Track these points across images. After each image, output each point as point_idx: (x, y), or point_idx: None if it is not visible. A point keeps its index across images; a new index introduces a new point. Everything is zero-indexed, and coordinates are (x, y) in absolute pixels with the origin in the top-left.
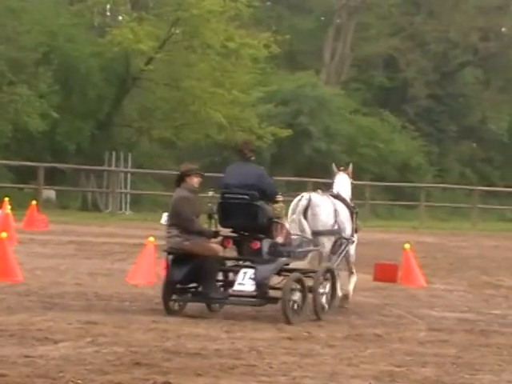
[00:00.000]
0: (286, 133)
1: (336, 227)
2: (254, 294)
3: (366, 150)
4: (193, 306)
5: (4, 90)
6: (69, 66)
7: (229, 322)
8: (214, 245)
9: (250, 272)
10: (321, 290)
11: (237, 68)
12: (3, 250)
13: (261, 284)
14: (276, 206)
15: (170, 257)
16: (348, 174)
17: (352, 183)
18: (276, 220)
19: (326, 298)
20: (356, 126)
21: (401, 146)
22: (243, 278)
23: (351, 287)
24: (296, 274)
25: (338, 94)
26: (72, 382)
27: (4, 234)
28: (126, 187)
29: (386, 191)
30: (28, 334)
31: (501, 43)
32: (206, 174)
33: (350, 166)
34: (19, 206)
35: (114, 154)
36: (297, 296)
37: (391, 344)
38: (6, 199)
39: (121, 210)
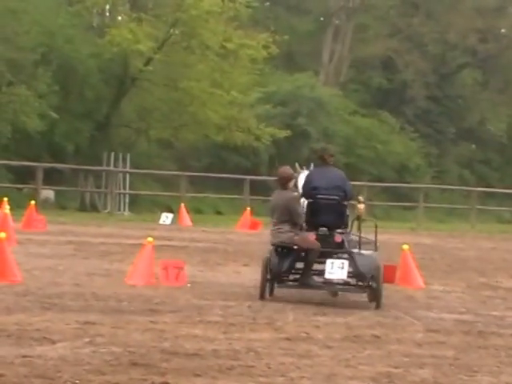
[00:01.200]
0: (284, 133)
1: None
2: (348, 282)
3: (364, 151)
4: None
5: (3, 90)
6: (67, 67)
7: (226, 322)
8: (315, 240)
9: (337, 262)
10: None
11: (235, 69)
12: (2, 251)
13: (365, 274)
14: (360, 205)
15: (278, 248)
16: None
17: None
18: (360, 218)
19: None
20: (354, 127)
21: (399, 147)
22: (331, 268)
23: None
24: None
25: (336, 95)
26: (70, 382)
27: (3, 235)
28: (124, 187)
29: (384, 192)
30: (26, 334)
31: (499, 44)
32: (204, 175)
33: (312, 166)
34: (18, 206)
35: (112, 154)
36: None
37: (389, 345)
38: (5, 199)
39: (119, 210)
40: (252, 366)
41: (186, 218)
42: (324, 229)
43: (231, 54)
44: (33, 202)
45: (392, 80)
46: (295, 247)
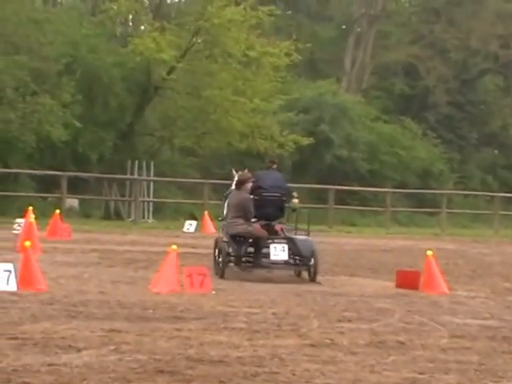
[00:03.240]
0: (307, 141)
1: None
2: (289, 261)
3: (387, 157)
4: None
5: (27, 100)
6: (91, 76)
7: (251, 329)
8: (263, 229)
9: (279, 246)
10: None
11: (258, 76)
12: (27, 259)
13: (306, 256)
14: (294, 200)
15: (238, 238)
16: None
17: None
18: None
19: None
20: (377, 133)
21: (422, 152)
22: (275, 251)
23: None
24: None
25: (358, 102)
26: None
27: (28, 243)
28: (148, 195)
29: (408, 198)
30: (51, 343)
31: None
32: (227, 183)
33: (246, 170)
34: (43, 215)
35: (136, 162)
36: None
37: (414, 351)
38: (30, 208)
39: (143, 218)
40: (277, 373)
41: (210, 226)
42: (265, 221)
43: (254, 62)
44: (57, 211)
45: (414, 86)
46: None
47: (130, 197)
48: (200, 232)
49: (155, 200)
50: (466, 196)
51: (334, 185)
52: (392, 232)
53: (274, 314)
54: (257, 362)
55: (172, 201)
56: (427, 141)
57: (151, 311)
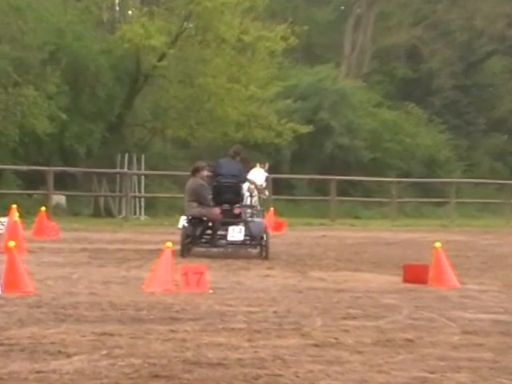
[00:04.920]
0: (306, 129)
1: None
2: (245, 242)
3: (391, 144)
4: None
5: (9, 91)
6: (77, 65)
7: (251, 329)
8: (217, 211)
9: (237, 228)
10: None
11: (253, 62)
12: (12, 260)
13: (257, 235)
14: (251, 186)
15: (192, 220)
16: (263, 168)
17: (267, 176)
18: (250, 194)
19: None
20: (380, 120)
21: (427, 139)
22: (233, 232)
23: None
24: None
25: (359, 87)
26: None
27: (12, 243)
28: (139, 191)
29: (413, 188)
30: (40, 348)
31: None
32: None
33: (266, 164)
34: (28, 213)
35: (126, 156)
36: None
37: (423, 349)
38: (14, 206)
39: (135, 214)
40: (279, 375)
41: None
42: (226, 205)
43: (248, 47)
44: (43, 209)
45: (417, 70)
46: (204, 218)
47: (120, 192)
48: None
49: (147, 195)
50: (474, 185)
51: (336, 175)
52: (398, 224)
53: (274, 312)
54: (258, 363)
55: (165, 195)
56: (433, 127)
57: (145, 312)
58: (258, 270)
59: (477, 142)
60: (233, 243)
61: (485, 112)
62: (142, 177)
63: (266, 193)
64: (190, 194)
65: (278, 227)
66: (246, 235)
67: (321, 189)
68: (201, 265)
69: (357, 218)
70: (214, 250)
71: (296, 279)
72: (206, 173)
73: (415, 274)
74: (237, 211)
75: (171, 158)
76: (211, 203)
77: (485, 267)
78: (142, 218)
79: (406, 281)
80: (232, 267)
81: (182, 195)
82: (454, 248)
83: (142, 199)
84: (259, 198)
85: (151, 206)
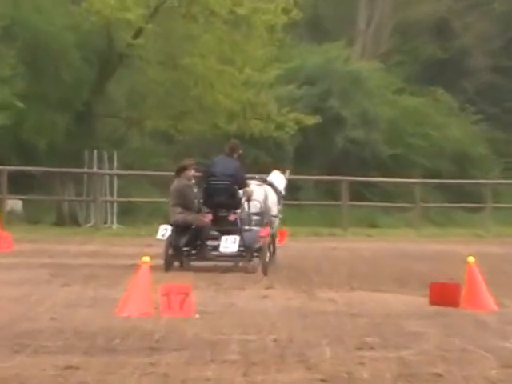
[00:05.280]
0: (312, 120)
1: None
2: (240, 254)
3: (415, 139)
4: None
5: None
6: (37, 43)
7: (247, 361)
8: (205, 218)
9: (231, 238)
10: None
11: (249, 40)
12: None
13: (250, 246)
14: (247, 189)
15: (175, 227)
16: (285, 176)
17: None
18: (246, 199)
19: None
20: (401, 108)
21: (458, 132)
22: (226, 243)
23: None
24: (269, 239)
25: (376, 70)
26: None
27: None
28: (112, 194)
29: (442, 190)
30: None
31: None
32: None
33: (288, 172)
34: None
35: (95, 152)
36: (268, 254)
37: None
38: None
39: (106, 223)
40: None
41: None
42: (224, 211)
43: (243, 22)
44: None
45: (447, 48)
46: (193, 226)
47: (88, 196)
48: None
49: (121, 200)
50: None
51: (348, 175)
52: (423, 234)
53: (274, 341)
54: None
55: (143, 200)
56: (465, 117)
57: (118, 341)
58: (254, 289)
59: None
60: (224, 255)
61: None
62: (115, 177)
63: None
64: (174, 197)
65: (278, 237)
66: (240, 246)
67: (330, 191)
68: (185, 283)
69: (374, 226)
70: (208, 263)
71: (300, 301)
72: (192, 172)
73: (445, 295)
74: (232, 218)
75: (151, 155)
76: (200, 207)
77: None
78: (115, 226)
79: (433, 303)
80: (223, 286)
81: (163, 199)
82: (491, 263)
83: (115, 204)
84: (279, 202)
85: (126, 213)
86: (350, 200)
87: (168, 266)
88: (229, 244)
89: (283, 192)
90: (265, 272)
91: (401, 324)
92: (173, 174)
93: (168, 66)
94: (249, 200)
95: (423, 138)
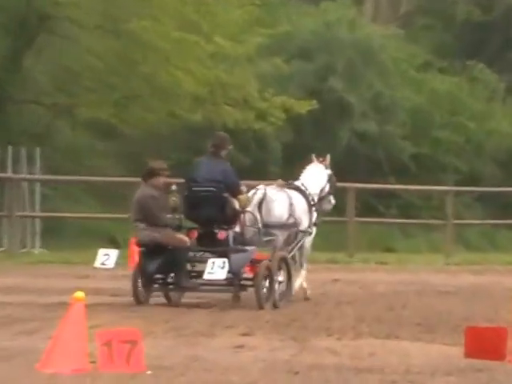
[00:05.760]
0: (307, 106)
1: (291, 220)
2: (226, 281)
3: (446, 132)
4: None
5: None
6: None
7: None
8: (182, 236)
9: (219, 261)
10: (276, 278)
11: None
12: None
13: (237, 272)
14: (241, 197)
15: (142, 249)
16: (325, 165)
17: (330, 175)
18: (241, 210)
19: (280, 286)
20: (427, 91)
21: (505, 123)
22: (212, 268)
23: (298, 283)
24: (266, 262)
25: (394, 38)
26: None
27: None
28: (32, 207)
29: (482, 203)
30: None
31: None
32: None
33: (328, 157)
34: None
35: (9, 149)
36: (267, 283)
37: None
38: None
39: (25, 247)
40: None
41: None
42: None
43: None
44: None
45: (489, 9)
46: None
47: (1, 211)
48: (124, 267)
49: (45, 215)
50: None
51: (355, 182)
52: (456, 261)
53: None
54: None
55: (75, 215)
56: None
57: None
58: (227, 336)
59: None
60: (209, 284)
61: None
62: (38, 184)
63: (332, 200)
64: (134, 211)
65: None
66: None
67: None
68: (133, 328)
69: (390, 250)
70: (203, 295)
71: (289, 352)
72: (163, 180)
73: (485, 344)
74: (221, 236)
75: (85, 155)
76: (177, 222)
77: None
78: (37, 251)
79: (469, 354)
80: (185, 332)
81: (103, 215)
82: None
83: (37, 221)
84: (317, 211)
85: (53, 233)
86: (358, 215)
87: (137, 299)
88: (216, 269)
89: (326, 188)
90: (260, 306)
91: (425, 383)
92: (118, 179)
93: (108, 33)
94: (243, 212)
95: (457, 132)
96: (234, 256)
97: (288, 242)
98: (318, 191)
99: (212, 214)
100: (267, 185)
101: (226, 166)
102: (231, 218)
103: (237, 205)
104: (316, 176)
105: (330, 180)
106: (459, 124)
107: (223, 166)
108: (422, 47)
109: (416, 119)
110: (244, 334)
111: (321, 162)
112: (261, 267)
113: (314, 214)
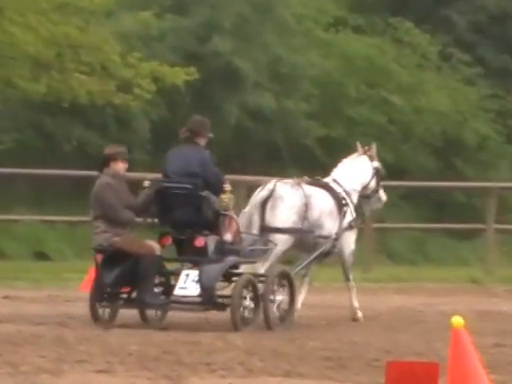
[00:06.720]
0: (183, 75)
1: (304, 224)
2: (199, 299)
3: (363, 110)
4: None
5: None
6: None
7: None
8: (150, 242)
9: (194, 274)
10: (273, 298)
11: None
12: None
13: (207, 287)
14: (223, 196)
15: (100, 256)
16: (370, 157)
17: (377, 168)
18: (223, 213)
19: (280, 307)
20: (339, 56)
21: (440, 98)
22: (185, 281)
23: (354, 298)
24: (246, 277)
25: None
26: None
27: None
28: None
29: (410, 201)
30: None
31: None
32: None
33: (374, 146)
34: None
35: None
36: (247, 302)
37: None
38: None
39: None
40: None
41: None
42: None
43: None
44: None
45: None
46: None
47: None
48: None
49: None
50: None
51: (246, 170)
52: (377, 277)
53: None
54: None
55: None
56: (452, 71)
57: None
58: (77, 373)
59: None
60: (182, 301)
61: None
62: None
63: (383, 197)
64: (94, 206)
65: None
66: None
67: None
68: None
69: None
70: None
71: None
72: (122, 165)
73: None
74: (199, 243)
75: None
76: (129, 216)
77: None
78: None
79: None
80: (24, 367)
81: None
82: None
83: None
84: (356, 211)
85: None
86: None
87: (96, 316)
88: (189, 283)
89: (372, 184)
90: (236, 328)
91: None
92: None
93: None
94: (224, 214)
95: (378, 109)
96: (205, 267)
97: (304, 250)
98: (358, 188)
99: (187, 217)
100: (280, 180)
101: (204, 155)
102: (212, 221)
103: (219, 204)
104: (356, 170)
105: (376, 173)
106: (380, 99)
107: (201, 155)
108: (333, 1)
109: (325, 92)
110: (100, 371)
111: (365, 152)
112: (238, 282)
113: (348, 216)
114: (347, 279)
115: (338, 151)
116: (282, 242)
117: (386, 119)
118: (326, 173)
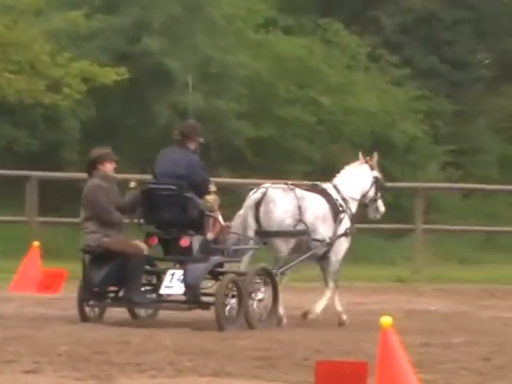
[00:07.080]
0: (113, 75)
1: (300, 227)
2: (184, 297)
3: (293, 110)
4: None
5: None
6: None
7: None
8: (138, 242)
9: (179, 273)
10: (254, 295)
11: None
12: None
13: (191, 286)
14: (208, 197)
15: (88, 256)
16: (370, 166)
17: (376, 177)
18: (208, 213)
19: (261, 305)
20: (269, 56)
21: (368, 99)
22: (171, 280)
23: (337, 302)
24: (230, 276)
25: None
26: None
27: None
28: None
29: None
30: None
31: None
32: None
33: (375, 156)
34: None
35: None
36: (232, 300)
37: None
38: None
39: None
40: None
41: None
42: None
43: None
44: None
45: None
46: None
47: None
48: None
49: None
50: None
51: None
52: (305, 276)
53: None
54: None
55: None
56: (380, 71)
57: None
58: (6, 373)
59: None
60: (167, 300)
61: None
62: None
63: (381, 208)
64: (85, 207)
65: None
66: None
67: None
68: None
69: (476, 261)
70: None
71: None
72: (110, 166)
73: (339, 383)
74: (184, 243)
75: None
76: (120, 217)
77: None
78: None
79: None
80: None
81: None
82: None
83: None
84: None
85: None
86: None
87: (84, 315)
88: (174, 282)
89: (371, 192)
90: (221, 327)
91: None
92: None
93: None
94: (209, 215)
95: (308, 110)
96: (190, 267)
97: (299, 253)
98: (358, 196)
99: (173, 217)
100: (273, 184)
101: (192, 158)
102: (197, 221)
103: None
104: (356, 178)
105: (376, 183)
106: (310, 99)
107: (189, 158)
108: (263, 2)
109: (255, 92)
110: (29, 372)
111: (366, 162)
112: (221, 282)
113: (345, 223)
114: (326, 285)
115: (267, 152)
116: (283, 245)
117: (315, 120)
118: (255, 173)
